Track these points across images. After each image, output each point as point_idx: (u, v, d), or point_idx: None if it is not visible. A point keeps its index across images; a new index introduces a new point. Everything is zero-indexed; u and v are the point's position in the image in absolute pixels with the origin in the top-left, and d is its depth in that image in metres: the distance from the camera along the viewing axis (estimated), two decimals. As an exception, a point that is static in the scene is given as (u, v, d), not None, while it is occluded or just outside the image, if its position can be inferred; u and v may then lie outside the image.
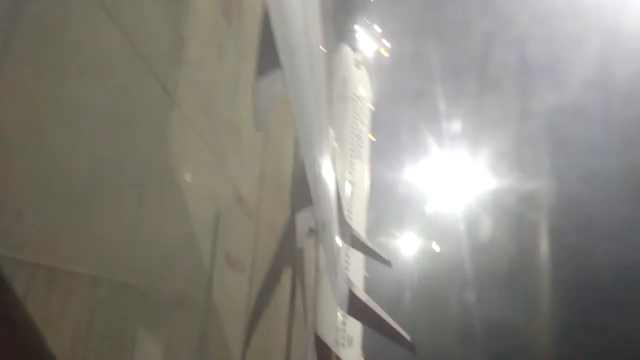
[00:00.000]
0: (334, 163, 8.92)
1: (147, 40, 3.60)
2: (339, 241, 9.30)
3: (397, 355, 12.59)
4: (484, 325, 29.18)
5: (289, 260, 10.02)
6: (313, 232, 9.68)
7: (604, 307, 26.46)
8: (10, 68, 2.27)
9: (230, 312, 6.15)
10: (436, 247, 30.13)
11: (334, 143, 11.60)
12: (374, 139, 14.72)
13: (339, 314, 11.77)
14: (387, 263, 12.78)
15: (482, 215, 30.54)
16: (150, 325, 3.98)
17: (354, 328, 12.14)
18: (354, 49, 15.96)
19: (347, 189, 12.82)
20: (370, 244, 12.13)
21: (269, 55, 3.49)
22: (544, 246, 30.04)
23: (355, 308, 10.32)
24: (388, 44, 29.50)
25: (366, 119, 13.70)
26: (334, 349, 11.87)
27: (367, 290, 12.13)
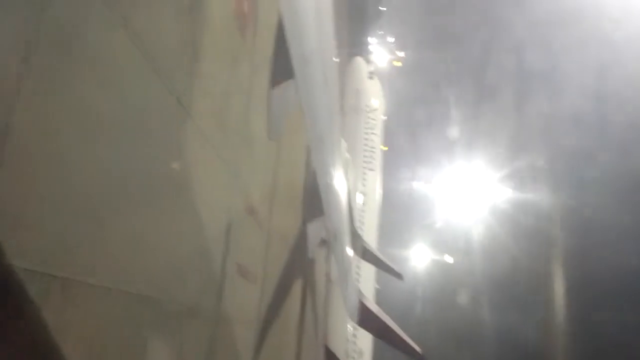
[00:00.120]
0: (346, 174, 8.92)
1: (162, 53, 3.66)
2: (350, 252, 9.26)
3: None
4: (496, 338, 28.77)
5: (299, 271, 10.00)
6: (324, 242, 9.66)
7: (619, 319, 25.97)
8: (29, 82, 2.32)
9: (240, 323, 6.15)
10: (449, 259, 29.85)
11: (347, 154, 11.61)
12: (385, 149, 14.71)
13: (349, 326, 11.68)
14: (398, 276, 12.68)
15: (494, 226, 30.24)
16: (162, 335, 4.01)
17: (365, 340, 12.04)
18: (367, 60, 16.03)
19: (359, 199, 12.80)
20: (381, 257, 12.04)
21: (282, 65, 3.52)
22: (554, 257, 29.65)
23: (366, 319, 10.22)
24: (401, 54, 29.65)
25: (379, 129, 13.71)
26: (344, 361, 11.77)
27: (378, 302, 12.03)
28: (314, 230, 8.15)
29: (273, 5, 5.54)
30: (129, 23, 3.14)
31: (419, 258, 29.81)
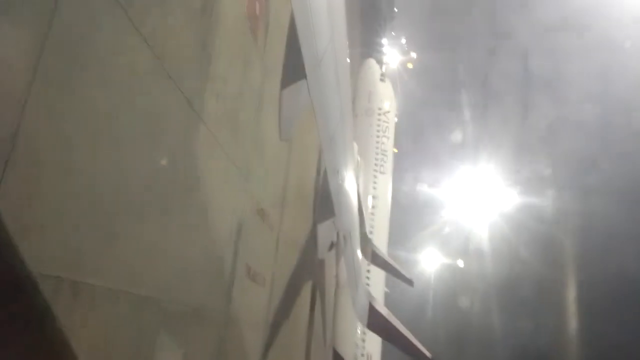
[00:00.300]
0: (357, 176, 8.87)
1: (174, 57, 3.66)
2: (360, 254, 9.20)
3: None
4: (502, 341, 28.53)
5: (309, 274, 9.96)
6: (334, 245, 9.62)
7: (621, 324, 25.66)
8: (39, 86, 2.32)
9: (249, 325, 6.13)
10: (460, 263, 29.63)
11: (358, 157, 11.55)
12: (396, 151, 14.62)
13: (358, 330, 11.61)
14: (409, 282, 12.60)
15: (500, 230, 30.03)
16: (169, 337, 4.00)
17: (374, 345, 11.96)
18: (380, 62, 15.96)
19: (370, 202, 12.74)
20: (392, 262, 11.96)
21: (294, 65, 3.49)
22: (560, 262, 29.38)
23: (375, 322, 10.14)
24: (414, 55, 29.59)
25: (390, 132, 13.63)
26: (353, 365, 11.70)
27: (388, 306, 11.95)
28: (325, 231, 8.11)
29: (285, 6, 5.53)
30: (139, 26, 3.13)
31: (428, 261, 29.61)
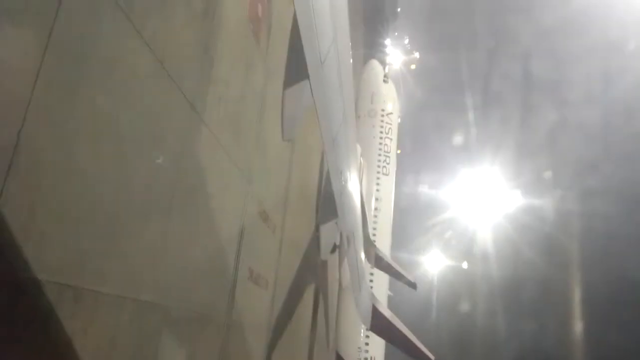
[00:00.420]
0: (360, 178, 8.83)
1: (176, 60, 3.64)
2: (363, 256, 9.15)
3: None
4: (510, 344, 28.44)
5: (311, 277, 9.93)
6: (336, 248, 9.58)
7: (620, 326, 25.57)
8: (41, 91, 2.30)
9: (252, 329, 6.11)
10: (465, 265, 29.57)
11: (361, 159, 11.51)
12: (399, 152, 14.57)
13: (361, 333, 11.56)
14: (412, 285, 12.52)
15: (501, 231, 29.97)
16: (172, 342, 3.98)
17: (377, 348, 11.90)
18: (383, 62, 15.90)
19: (373, 204, 12.68)
20: (395, 265, 11.90)
21: (296, 65, 3.47)
22: (562, 264, 29.32)
23: (379, 325, 10.07)
24: (417, 55, 29.53)
25: (394, 134, 13.57)
26: (356, 369, 11.64)
27: (391, 309, 11.90)
28: (327, 232, 8.06)
29: (288, 8, 5.50)
30: (141, 29, 3.11)
31: (432, 263, 29.55)
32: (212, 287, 4.84)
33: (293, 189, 8.24)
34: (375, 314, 9.68)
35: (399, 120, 14.53)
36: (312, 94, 3.64)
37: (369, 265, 10.95)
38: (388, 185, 13.14)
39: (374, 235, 12.21)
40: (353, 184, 6.52)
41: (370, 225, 11.84)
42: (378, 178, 12.89)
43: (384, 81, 13.94)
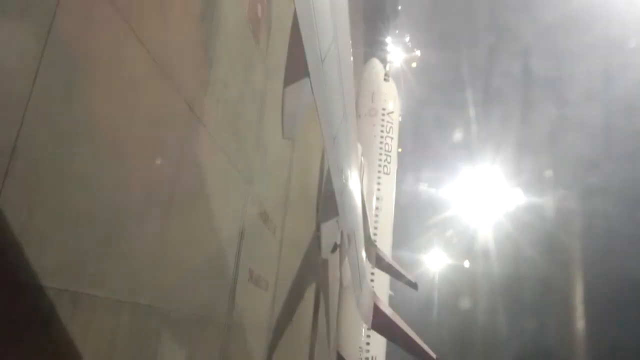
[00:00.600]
0: (361, 177, 8.79)
1: (175, 62, 3.61)
2: (364, 254, 9.12)
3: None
4: (511, 343, 28.47)
5: (312, 277, 9.90)
6: (337, 247, 9.55)
7: (620, 324, 25.57)
8: (38, 95, 2.28)
9: (252, 330, 6.10)
10: (466, 264, 29.55)
11: (362, 158, 11.46)
12: (400, 150, 14.52)
13: (362, 333, 11.54)
14: (413, 286, 12.49)
15: (509, 230, 29.95)
16: (172, 344, 3.97)
17: (378, 348, 11.88)
18: (384, 61, 15.84)
19: (374, 204, 12.65)
20: (396, 265, 11.86)
21: (297, 63, 3.44)
22: (561, 263, 29.31)
23: (380, 323, 10.03)
24: (418, 53, 29.48)
25: (394, 133, 13.51)
26: (357, 369, 11.62)
27: (392, 309, 11.87)
28: (328, 231, 8.02)
29: (288, 7, 5.46)
30: (139, 32, 3.08)
31: (433, 262, 29.54)
32: (212, 289, 4.82)
33: (294, 188, 8.21)
34: (377, 312, 9.64)
35: (400, 118, 14.47)
36: (313, 92, 3.62)
37: (369, 265, 10.91)
38: (389, 185, 13.10)
39: (375, 234, 12.18)
40: (354, 182, 6.49)
41: (371, 225, 11.80)
42: (379, 177, 12.85)
43: (385, 80, 13.87)
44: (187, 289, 4.17)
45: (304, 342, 9.81)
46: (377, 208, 12.69)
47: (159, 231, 3.59)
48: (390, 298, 13.07)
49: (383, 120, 13.25)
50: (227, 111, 4.77)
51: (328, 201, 6.70)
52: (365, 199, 9.91)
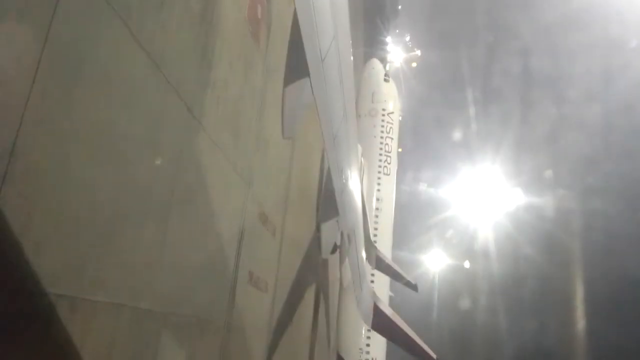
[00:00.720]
0: (361, 178, 8.77)
1: (174, 64, 3.59)
2: (364, 254, 9.10)
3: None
4: (512, 343, 28.47)
5: (312, 278, 9.88)
6: (337, 248, 9.54)
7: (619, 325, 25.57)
8: (37, 98, 2.25)
9: (252, 331, 6.08)
10: (466, 264, 29.56)
11: (362, 159, 11.45)
12: (400, 150, 14.51)
13: (362, 334, 11.53)
14: (413, 287, 12.49)
15: (510, 230, 29.95)
16: (172, 347, 3.95)
17: (378, 349, 11.88)
18: (384, 61, 15.83)
19: (374, 204, 12.64)
20: (396, 267, 11.86)
21: (297, 62, 3.43)
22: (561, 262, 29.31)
23: (380, 323, 10.02)
24: (418, 53, 29.45)
25: (394, 133, 13.50)
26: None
27: (393, 309, 11.85)
28: (328, 230, 8.02)
29: (288, 7, 5.43)
30: (137, 34, 3.06)
31: (433, 262, 29.53)
32: (211, 291, 4.80)
33: (293, 188, 8.19)
34: (377, 312, 9.63)
35: (400, 118, 14.46)
36: (313, 91, 3.61)
37: (369, 266, 10.90)
38: (389, 185, 13.10)
39: (375, 235, 12.17)
40: (354, 182, 6.48)
41: (371, 226, 11.79)
42: (379, 178, 12.85)
43: (385, 80, 13.87)
44: (187, 292, 4.15)
45: (304, 341, 9.80)
46: (377, 209, 12.68)
47: (158, 234, 3.57)
48: (390, 299, 13.07)
49: (383, 120, 13.24)
50: (226, 112, 4.75)
51: (328, 201, 6.69)
52: (365, 200, 9.90)
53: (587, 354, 27.52)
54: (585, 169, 29.25)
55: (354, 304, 9.97)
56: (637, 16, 26.90)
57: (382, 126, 13.18)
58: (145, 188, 3.40)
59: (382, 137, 13.11)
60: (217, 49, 4.38)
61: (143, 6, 3.15)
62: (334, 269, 11.72)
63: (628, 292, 25.29)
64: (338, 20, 3.60)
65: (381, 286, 11.86)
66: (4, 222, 2.14)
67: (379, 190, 12.78)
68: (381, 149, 13.00)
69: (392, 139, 13.28)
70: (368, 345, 11.53)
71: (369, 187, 12.46)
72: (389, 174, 13.03)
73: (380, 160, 12.94)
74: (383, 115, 13.29)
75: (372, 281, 11.27)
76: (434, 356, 9.93)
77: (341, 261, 10.69)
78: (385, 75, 13.98)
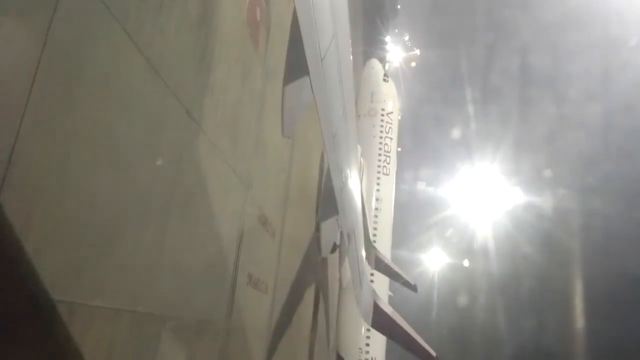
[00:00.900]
0: (360, 177, 8.78)
1: (173, 68, 3.59)
2: (364, 253, 9.11)
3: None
4: (512, 342, 28.51)
5: (312, 279, 9.89)
6: (337, 247, 9.55)
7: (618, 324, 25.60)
8: (35, 103, 2.25)
9: (252, 333, 6.08)
10: (466, 263, 29.59)
11: (361, 159, 11.45)
12: (399, 150, 14.51)
13: (362, 334, 11.54)
14: (412, 287, 12.50)
15: (509, 229, 29.97)
16: (171, 350, 3.95)
17: (378, 349, 11.89)
18: (383, 60, 15.83)
19: (373, 204, 12.64)
20: (395, 267, 11.87)
21: (297, 61, 3.43)
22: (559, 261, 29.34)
23: (380, 321, 10.03)
24: (418, 52, 29.45)
25: (394, 133, 13.50)
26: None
27: (393, 308, 11.86)
28: (328, 230, 8.03)
29: (287, 9, 5.43)
30: (136, 38, 3.06)
31: (432, 261, 29.55)
32: (211, 294, 4.81)
33: (293, 188, 8.20)
34: (377, 310, 9.65)
35: (399, 118, 14.46)
36: (312, 90, 3.62)
37: (369, 267, 10.91)
38: (388, 185, 13.10)
39: (375, 235, 12.18)
40: (353, 181, 6.49)
41: (370, 226, 11.80)
42: (378, 178, 12.85)
43: (384, 80, 13.86)
44: (186, 294, 4.16)
45: (304, 342, 9.81)
46: (376, 209, 12.69)
47: (157, 238, 3.57)
48: (390, 299, 13.07)
49: (382, 120, 13.24)
50: (225, 115, 4.75)
51: (328, 200, 6.70)
52: (364, 200, 9.91)
53: (586, 352, 27.59)
54: (584, 169, 29.32)
55: (353, 304, 9.98)
56: (636, 16, 26.95)
57: (382, 126, 13.18)
58: (145, 191, 3.40)
59: (381, 137, 13.11)
60: (216, 52, 4.38)
61: (141, 9, 3.15)
62: (333, 269, 11.73)
63: (627, 291, 25.35)
64: (338, 19, 3.61)
65: (380, 286, 11.86)
66: (5, 223, 2.15)
67: (378, 190, 12.79)
68: (380, 149, 13.00)
69: (391, 138, 13.28)
70: (367, 344, 11.54)
71: (368, 187, 12.46)
72: (389, 174, 13.04)
73: (379, 160, 12.94)
74: (382, 115, 13.29)
75: (372, 281, 11.28)
76: (434, 354, 9.95)
77: (341, 261, 10.70)
78: (385, 75, 13.97)
